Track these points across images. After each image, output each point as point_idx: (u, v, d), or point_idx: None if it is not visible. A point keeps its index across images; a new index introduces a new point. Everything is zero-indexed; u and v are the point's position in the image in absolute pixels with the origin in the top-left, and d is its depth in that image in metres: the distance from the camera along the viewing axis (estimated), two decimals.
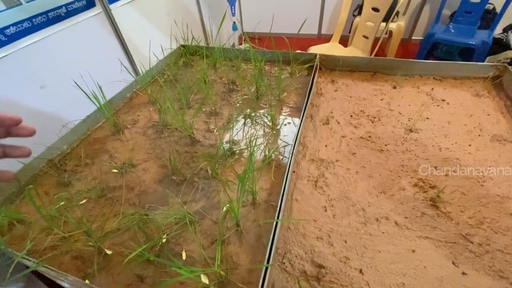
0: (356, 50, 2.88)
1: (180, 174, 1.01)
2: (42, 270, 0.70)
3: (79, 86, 1.13)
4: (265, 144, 0.94)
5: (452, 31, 3.11)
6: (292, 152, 0.97)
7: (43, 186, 1.00)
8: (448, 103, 1.29)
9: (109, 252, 0.79)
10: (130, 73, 1.61)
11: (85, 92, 1.12)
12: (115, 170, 1.04)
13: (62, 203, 0.93)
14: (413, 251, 0.77)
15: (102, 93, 1.19)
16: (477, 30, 3.08)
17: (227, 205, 0.90)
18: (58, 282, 0.70)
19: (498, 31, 3.20)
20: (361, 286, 0.71)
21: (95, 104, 1.18)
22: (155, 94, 1.43)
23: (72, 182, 1.01)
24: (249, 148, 1.09)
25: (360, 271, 0.74)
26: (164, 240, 0.81)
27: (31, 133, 0.50)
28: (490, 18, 3.22)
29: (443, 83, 1.42)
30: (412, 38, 4.09)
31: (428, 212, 0.86)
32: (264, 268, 0.67)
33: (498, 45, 3.11)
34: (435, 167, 1.00)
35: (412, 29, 4.02)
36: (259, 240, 0.81)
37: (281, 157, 1.05)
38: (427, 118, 1.21)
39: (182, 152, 1.11)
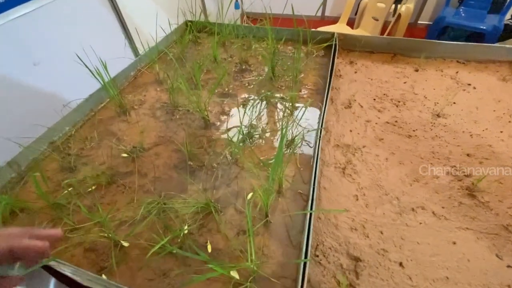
0: (365, 33, 2.78)
1: (197, 160, 0.94)
2: (53, 264, 0.63)
3: (82, 61, 1.01)
4: (286, 128, 0.86)
5: (463, 15, 3.01)
6: (319, 138, 0.90)
7: (46, 171, 0.91)
8: (474, 88, 1.23)
9: (125, 244, 0.72)
10: (132, 50, 1.48)
11: (88, 68, 1.01)
12: (124, 155, 0.95)
13: (70, 189, 0.84)
14: (454, 243, 0.73)
15: (106, 69, 1.08)
16: (487, 14, 2.99)
17: (251, 193, 0.83)
18: (72, 277, 0.63)
19: (507, 16, 3.12)
20: (403, 280, 0.67)
21: (99, 82, 1.07)
22: (162, 73, 1.32)
23: (77, 167, 0.92)
24: (270, 132, 1.02)
25: (400, 264, 0.69)
26: (186, 231, 0.74)
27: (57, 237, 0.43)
28: (500, 2, 3.13)
29: (467, 67, 1.35)
30: (418, 22, 3.98)
31: (465, 202, 0.81)
32: (302, 263, 0.61)
33: (508, 31, 3.04)
34: (468, 154, 0.94)
35: (419, 13, 3.89)
36: (289, 231, 0.75)
37: (304, 142, 0.98)
38: (454, 103, 1.15)
39: (197, 135, 1.02)
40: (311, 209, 0.70)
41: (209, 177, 0.88)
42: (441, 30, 3.00)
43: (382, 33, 2.67)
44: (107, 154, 0.96)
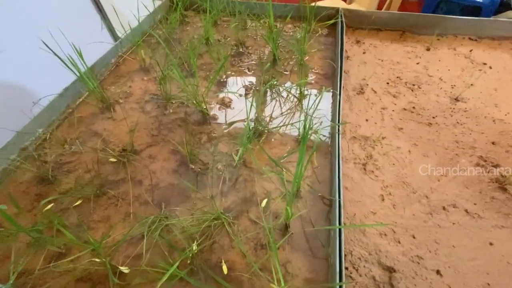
0: (362, 9, 2.62)
1: (199, 162, 0.82)
2: None
3: (50, 49, 0.83)
4: (306, 121, 0.75)
5: None
6: (338, 136, 0.79)
7: (20, 184, 0.77)
8: (490, 67, 1.15)
9: (125, 270, 0.61)
10: (110, 32, 1.29)
11: (58, 57, 0.84)
12: (113, 159, 0.82)
13: (50, 205, 0.71)
14: (491, 244, 0.67)
15: (81, 57, 0.90)
16: None
17: (265, 199, 0.73)
18: None
19: None
20: None
21: (74, 73, 0.90)
22: (148, 59, 1.15)
23: (58, 177, 0.78)
24: (278, 126, 0.90)
25: (438, 272, 0.63)
26: (195, 249, 0.64)
27: None
28: None
29: (480, 44, 1.26)
30: None
31: (497, 196, 0.75)
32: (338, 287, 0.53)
33: (503, 4, 2.96)
34: (493, 143, 0.88)
35: None
36: (312, 241, 0.66)
37: (316, 135, 0.87)
38: (471, 84, 1.07)
39: (196, 132, 0.90)
40: (339, 222, 0.61)
41: (215, 182, 0.77)
42: (436, 4, 2.89)
43: (379, 8, 2.52)
44: (92, 159, 0.82)
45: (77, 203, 0.73)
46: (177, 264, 0.56)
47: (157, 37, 1.14)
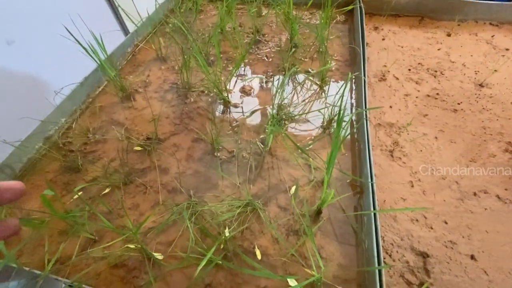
0: None
1: (223, 150, 0.81)
2: None
3: (75, 38, 0.82)
4: (342, 111, 0.74)
5: None
6: (366, 118, 0.78)
7: (47, 173, 0.77)
8: None
9: (159, 256, 0.61)
10: (119, 22, 1.26)
11: (81, 45, 0.83)
12: (138, 148, 0.82)
13: (80, 193, 0.71)
14: None
15: (102, 45, 0.89)
16: None
17: (294, 186, 0.73)
18: None
19: None
20: (478, 275, 0.60)
21: (95, 61, 0.89)
22: (164, 48, 1.14)
23: (84, 166, 0.78)
24: (301, 113, 0.89)
25: (472, 257, 0.62)
26: (227, 235, 0.63)
27: (18, 195, 0.29)
28: None
29: (502, 30, 1.23)
30: None
31: None
32: (377, 271, 0.52)
33: None
34: None
35: None
36: (343, 227, 0.66)
37: (346, 122, 0.86)
38: (495, 70, 1.04)
39: (218, 121, 0.89)
40: (373, 207, 0.61)
41: (241, 170, 0.77)
42: None
43: None
44: (117, 148, 0.82)
45: (105, 191, 0.73)
46: (213, 249, 0.56)
47: (179, 23, 1.12)
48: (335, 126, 0.83)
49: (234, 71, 0.87)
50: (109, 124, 0.89)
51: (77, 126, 0.87)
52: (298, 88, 0.98)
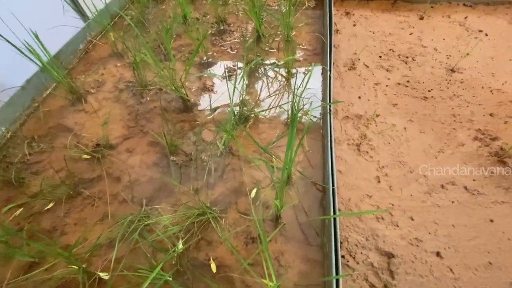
0: None
1: (181, 153, 0.75)
2: None
3: (2, 37, 0.73)
4: (296, 103, 0.69)
5: None
6: (330, 112, 0.73)
7: None
8: (486, 34, 1.08)
9: (105, 276, 0.56)
10: (76, 14, 1.16)
11: (12, 44, 0.74)
12: (86, 156, 0.75)
13: (19, 211, 0.65)
14: (491, 220, 0.64)
15: (41, 44, 0.81)
16: None
17: (255, 189, 0.68)
18: None
19: None
20: (444, 274, 0.58)
21: (35, 63, 0.80)
22: (120, 43, 1.05)
23: (26, 179, 0.71)
24: (266, 109, 0.84)
25: (438, 254, 0.60)
26: (180, 250, 0.59)
27: None
28: None
29: (475, 11, 1.19)
30: None
31: (496, 170, 0.72)
32: (334, 281, 0.49)
33: None
34: (491, 114, 0.83)
35: None
36: (305, 230, 0.62)
37: (307, 116, 0.82)
38: (467, 54, 1.01)
39: (176, 121, 0.83)
40: (333, 211, 0.57)
41: (199, 174, 0.71)
42: None
43: None
44: (64, 157, 0.75)
45: (49, 206, 0.66)
46: (159, 266, 0.51)
47: (127, 18, 1.03)
48: (300, 121, 0.78)
49: (188, 66, 0.80)
50: (56, 131, 0.81)
51: (19, 135, 0.79)
52: (263, 81, 0.92)
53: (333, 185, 0.60)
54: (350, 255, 0.61)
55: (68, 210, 0.66)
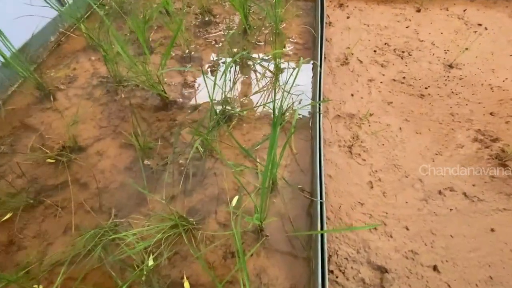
0: None
1: (156, 156, 0.69)
2: None
3: None
4: (271, 98, 0.63)
5: None
6: (319, 112, 0.67)
7: None
8: (486, 28, 1.03)
9: None
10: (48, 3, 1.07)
11: None
12: (50, 160, 0.68)
13: None
14: (492, 230, 0.59)
15: (3, 36, 0.72)
16: None
17: (236, 196, 0.62)
18: None
19: None
20: None
21: None
22: (95, 34, 0.97)
23: None
24: (250, 107, 0.77)
25: (435, 268, 0.55)
26: (151, 266, 0.53)
27: None
28: None
29: (474, 3, 1.13)
30: None
31: (497, 175, 0.67)
32: None
33: None
34: (491, 113, 0.78)
35: None
36: (291, 241, 0.57)
37: (295, 117, 0.75)
38: (466, 49, 0.95)
39: (152, 120, 0.76)
40: (321, 227, 0.51)
41: (176, 179, 0.65)
42: None
43: None
44: (26, 161, 0.67)
45: (6, 217, 0.59)
46: (125, 286, 0.45)
47: (98, 10, 0.95)
48: (288, 121, 0.72)
49: (164, 59, 0.72)
50: (20, 131, 0.74)
51: None
52: (249, 77, 0.86)
53: (321, 197, 0.54)
54: (340, 270, 0.55)
55: (28, 221, 0.59)
